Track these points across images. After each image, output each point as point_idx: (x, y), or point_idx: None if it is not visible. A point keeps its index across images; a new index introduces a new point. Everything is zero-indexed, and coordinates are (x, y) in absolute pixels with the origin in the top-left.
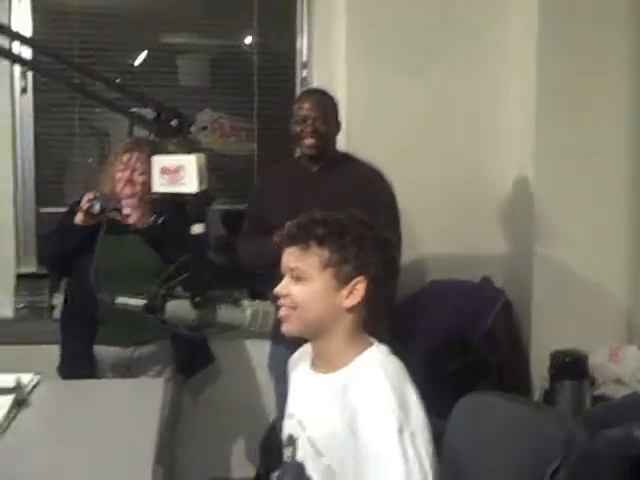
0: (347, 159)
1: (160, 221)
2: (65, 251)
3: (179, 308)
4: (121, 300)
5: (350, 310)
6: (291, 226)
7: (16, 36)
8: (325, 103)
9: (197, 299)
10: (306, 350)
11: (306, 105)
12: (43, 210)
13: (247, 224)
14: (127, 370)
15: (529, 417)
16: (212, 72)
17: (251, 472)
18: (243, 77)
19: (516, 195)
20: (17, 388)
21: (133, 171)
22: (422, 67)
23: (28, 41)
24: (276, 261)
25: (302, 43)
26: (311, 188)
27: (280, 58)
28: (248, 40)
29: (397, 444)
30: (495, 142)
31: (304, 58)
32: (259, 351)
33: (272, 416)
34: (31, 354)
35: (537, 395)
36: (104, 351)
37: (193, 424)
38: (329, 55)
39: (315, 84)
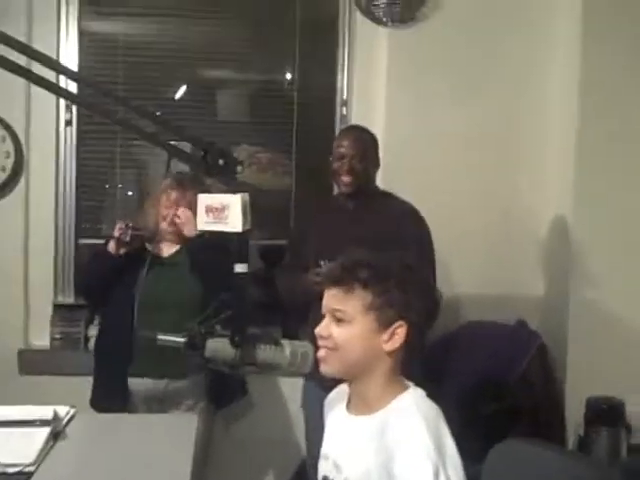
0: (385, 196)
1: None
2: (98, 279)
3: (219, 346)
4: (163, 337)
5: (389, 354)
6: (334, 267)
7: (63, 70)
8: (364, 141)
9: (236, 338)
10: (342, 390)
11: (345, 142)
12: (82, 241)
13: (287, 259)
14: (159, 403)
15: (566, 465)
16: (251, 107)
17: None
18: (282, 113)
19: (554, 236)
20: (54, 420)
21: (178, 207)
22: (462, 104)
23: (73, 75)
24: (310, 299)
25: (342, 80)
26: (348, 226)
27: (320, 95)
28: (288, 76)
29: None
30: (535, 182)
31: (344, 95)
32: (291, 385)
33: (303, 452)
34: (66, 385)
35: (572, 441)
36: (137, 384)
37: (223, 456)
38: (369, 93)
39: (354, 121)
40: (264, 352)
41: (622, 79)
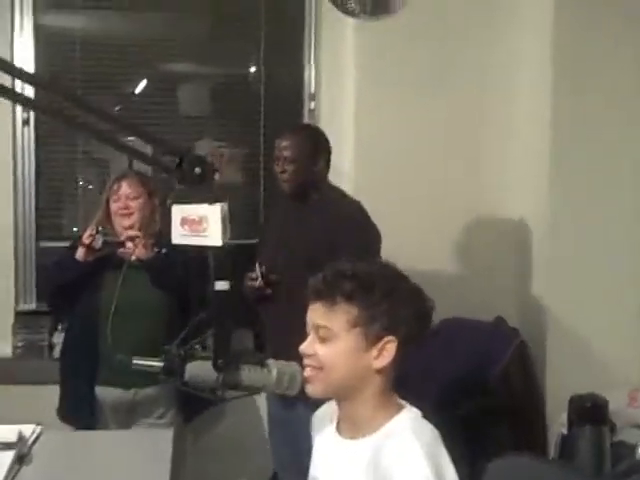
0: (329, 199)
1: (163, 252)
2: (65, 286)
3: (200, 369)
4: (139, 362)
5: (379, 371)
6: (316, 280)
7: (18, 74)
8: (300, 142)
9: (219, 361)
10: (330, 409)
11: (281, 144)
12: (43, 244)
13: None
14: (129, 412)
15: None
16: (215, 101)
17: None
18: (248, 107)
19: (531, 231)
20: (18, 442)
21: (127, 198)
22: (431, 96)
23: (30, 78)
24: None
25: (310, 74)
26: (288, 228)
27: (287, 88)
28: (253, 69)
29: None
30: (507, 176)
31: (312, 89)
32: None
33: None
34: (30, 395)
35: (554, 441)
36: (105, 392)
37: (195, 465)
38: (338, 86)
39: (323, 115)
40: (249, 374)
41: (595, 65)
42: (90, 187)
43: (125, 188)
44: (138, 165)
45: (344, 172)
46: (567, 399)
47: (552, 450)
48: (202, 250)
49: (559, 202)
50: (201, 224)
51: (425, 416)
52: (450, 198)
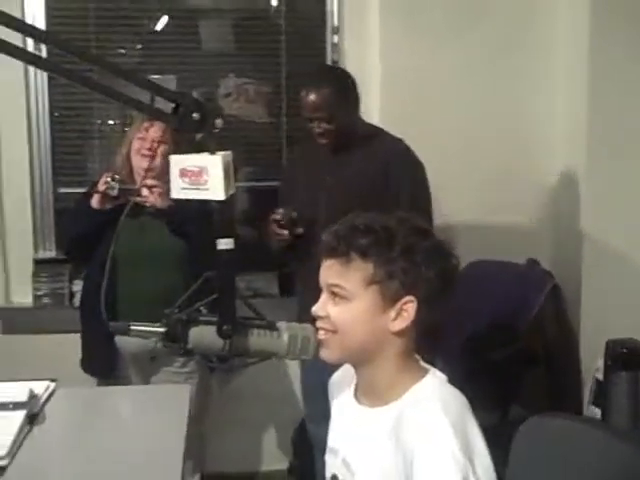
0: (372, 137)
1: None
2: (81, 236)
3: (205, 335)
4: (137, 327)
5: (398, 334)
6: (329, 235)
7: (29, 31)
8: (327, 98)
9: (225, 327)
10: (347, 374)
11: (309, 104)
12: (61, 191)
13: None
14: (150, 361)
15: (612, 446)
16: (236, 37)
17: (283, 464)
18: (269, 42)
19: (564, 170)
20: (30, 401)
21: (153, 141)
22: (459, 31)
23: (41, 35)
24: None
25: (333, 6)
26: (335, 169)
27: (309, 22)
28: (274, 2)
29: None
30: (543, 114)
31: (335, 22)
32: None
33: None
34: (51, 343)
35: (589, 387)
36: (125, 342)
37: (222, 415)
38: (362, 19)
39: (346, 50)
40: (258, 339)
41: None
42: (108, 129)
43: (155, 130)
44: None
45: (369, 109)
46: (603, 344)
47: (586, 397)
48: (205, 204)
49: (596, 142)
50: (201, 175)
51: (455, 362)
52: (481, 137)
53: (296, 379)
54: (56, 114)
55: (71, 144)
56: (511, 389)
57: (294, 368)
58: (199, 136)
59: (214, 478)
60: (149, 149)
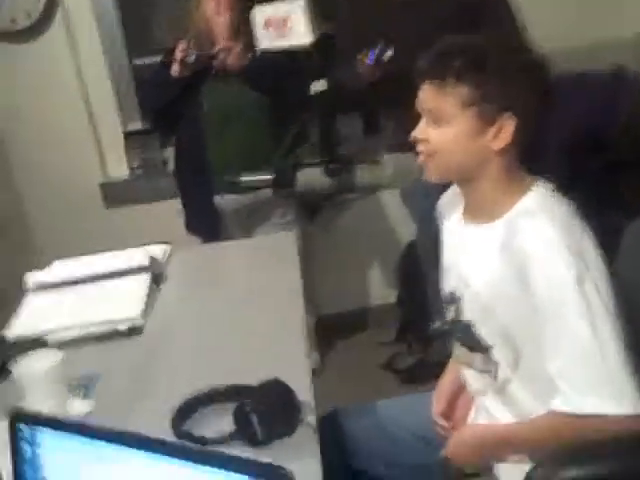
0: None
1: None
2: (165, 106)
3: (311, 177)
4: (247, 178)
5: (499, 152)
6: (423, 59)
7: None
8: None
9: (331, 165)
10: (455, 195)
11: None
12: (137, 62)
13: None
14: (249, 218)
15: None
16: None
17: (392, 297)
18: None
19: None
20: (152, 264)
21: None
22: None
23: None
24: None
25: None
26: None
27: None
28: None
29: (578, 294)
30: None
31: None
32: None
33: (406, 238)
34: (154, 211)
35: None
36: (223, 200)
37: (327, 259)
38: None
39: None
40: (363, 174)
41: None
42: None
43: None
44: None
45: None
46: None
47: None
48: (292, 52)
49: None
50: (286, 24)
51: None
52: None
53: (399, 212)
54: None
55: (140, 12)
56: (608, 200)
57: (395, 202)
58: None
59: (328, 319)
60: (217, 5)
